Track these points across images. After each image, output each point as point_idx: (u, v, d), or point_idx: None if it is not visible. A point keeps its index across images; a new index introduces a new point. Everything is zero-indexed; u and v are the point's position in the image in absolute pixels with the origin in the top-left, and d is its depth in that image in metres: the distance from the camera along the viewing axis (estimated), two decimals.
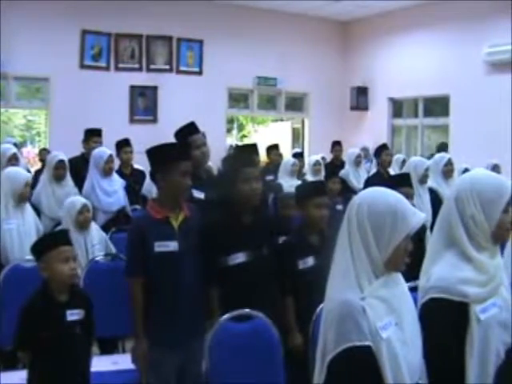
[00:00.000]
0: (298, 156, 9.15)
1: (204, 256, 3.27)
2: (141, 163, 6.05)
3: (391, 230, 1.98)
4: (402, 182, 4.62)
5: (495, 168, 7.21)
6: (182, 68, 11.03)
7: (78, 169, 5.92)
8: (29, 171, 5.95)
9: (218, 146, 8.16)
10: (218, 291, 3.31)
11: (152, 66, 10.74)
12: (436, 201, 5.51)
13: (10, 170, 4.87)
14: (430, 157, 7.96)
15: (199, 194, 3.85)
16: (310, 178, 7.64)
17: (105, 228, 5.16)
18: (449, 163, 6.19)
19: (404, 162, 7.62)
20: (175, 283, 3.16)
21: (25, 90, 10.48)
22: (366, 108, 12.38)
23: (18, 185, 4.56)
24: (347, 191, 6.82)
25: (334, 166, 8.79)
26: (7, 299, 3.77)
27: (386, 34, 11.74)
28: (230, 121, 14.63)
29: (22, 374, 3.02)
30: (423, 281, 2.24)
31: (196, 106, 10.33)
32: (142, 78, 10.63)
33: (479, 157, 8.06)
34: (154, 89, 10.71)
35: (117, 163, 6.30)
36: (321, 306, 2.49)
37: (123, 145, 6.74)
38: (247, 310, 3.11)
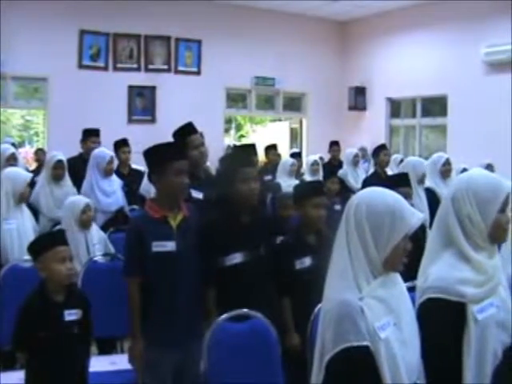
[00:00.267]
0: (296, 156, 9.15)
1: (202, 256, 3.27)
2: (139, 163, 6.05)
3: (390, 230, 1.98)
4: (400, 182, 4.62)
5: (488, 168, 7.20)
6: (181, 68, 11.03)
7: (76, 169, 5.91)
8: (28, 171, 5.94)
9: (215, 146, 8.17)
10: (215, 291, 3.32)
11: (150, 66, 10.73)
12: (434, 201, 5.51)
13: (11, 170, 4.88)
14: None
15: (197, 194, 3.86)
16: (308, 177, 7.65)
17: (103, 228, 5.16)
18: (447, 163, 6.20)
19: (402, 161, 7.62)
20: (173, 283, 3.16)
21: (23, 90, 10.47)
22: (364, 108, 12.38)
23: (18, 185, 4.57)
24: (345, 191, 6.82)
25: (331, 166, 8.80)
26: (6, 299, 3.76)
27: (384, 34, 11.74)
28: (228, 121, 14.65)
29: (20, 375, 3.01)
30: (421, 281, 2.24)
31: (194, 105, 10.33)
32: (141, 78, 10.63)
33: (477, 157, 8.06)
34: (153, 89, 10.71)
35: (115, 163, 6.30)
36: (319, 306, 2.49)
37: (121, 145, 6.75)
38: (245, 309, 3.11)
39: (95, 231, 4.73)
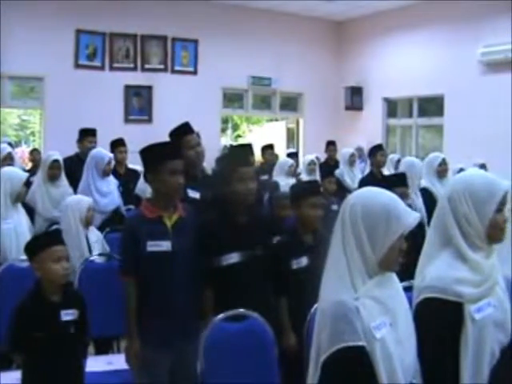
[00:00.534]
0: (293, 156, 9.14)
1: (199, 256, 3.26)
2: (135, 163, 6.04)
3: (385, 230, 1.98)
4: (397, 182, 4.63)
5: (481, 167, 7.22)
6: (177, 68, 11.02)
7: (72, 169, 5.91)
8: (24, 170, 5.93)
9: (212, 145, 8.15)
10: (211, 291, 3.31)
11: (147, 66, 10.73)
12: (430, 201, 5.52)
13: (8, 169, 4.87)
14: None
15: (194, 194, 3.85)
16: (304, 177, 7.63)
17: (100, 228, 5.16)
18: (443, 163, 6.20)
19: (399, 161, 7.63)
20: (168, 283, 3.15)
21: (19, 90, 10.43)
22: (360, 108, 12.38)
23: (15, 184, 4.56)
24: (342, 191, 6.83)
25: (328, 166, 8.79)
26: (2, 299, 3.74)
27: (380, 34, 11.75)
28: (225, 121, 14.63)
29: (17, 375, 3.01)
30: (418, 280, 2.24)
31: (191, 105, 10.33)
32: (137, 78, 10.62)
33: (473, 157, 8.08)
34: (149, 88, 10.70)
35: (112, 164, 6.29)
36: (315, 306, 2.49)
37: (118, 144, 6.75)
38: (242, 309, 3.11)
39: (93, 231, 4.75)
